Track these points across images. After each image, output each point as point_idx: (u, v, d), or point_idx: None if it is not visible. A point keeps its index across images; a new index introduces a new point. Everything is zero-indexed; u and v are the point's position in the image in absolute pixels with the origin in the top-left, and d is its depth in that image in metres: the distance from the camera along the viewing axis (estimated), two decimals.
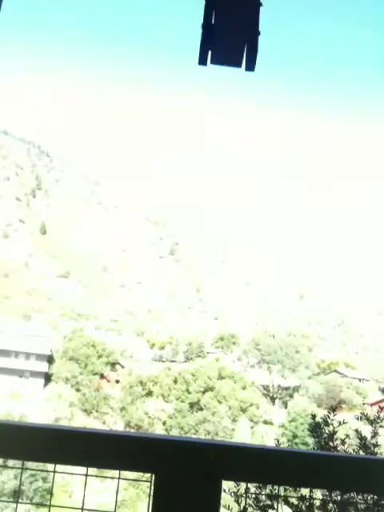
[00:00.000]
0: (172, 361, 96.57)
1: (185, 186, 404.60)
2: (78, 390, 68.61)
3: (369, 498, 4.91)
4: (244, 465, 1.61)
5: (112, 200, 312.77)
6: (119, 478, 1.80)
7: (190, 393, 67.09)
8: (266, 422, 70.20)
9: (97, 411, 64.12)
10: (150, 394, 68.78)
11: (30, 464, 1.79)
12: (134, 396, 67.93)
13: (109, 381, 79.47)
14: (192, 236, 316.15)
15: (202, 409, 64.80)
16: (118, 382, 78.54)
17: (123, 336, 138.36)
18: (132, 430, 59.39)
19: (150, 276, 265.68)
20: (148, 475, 1.56)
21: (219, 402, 65.91)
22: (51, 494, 44.34)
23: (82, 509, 1.85)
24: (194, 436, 57.17)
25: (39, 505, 42.20)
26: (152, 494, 1.52)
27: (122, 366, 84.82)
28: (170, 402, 66.57)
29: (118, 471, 1.70)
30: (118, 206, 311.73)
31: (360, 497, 4.96)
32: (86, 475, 1.80)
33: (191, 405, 65.95)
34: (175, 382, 69.47)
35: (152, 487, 1.53)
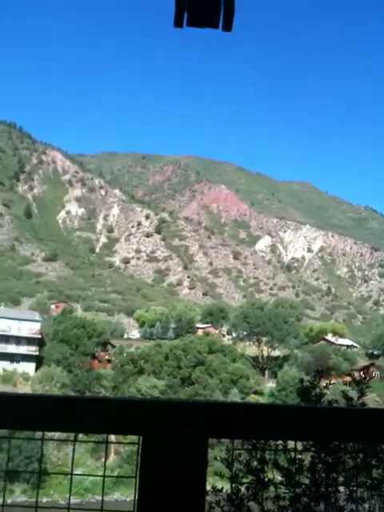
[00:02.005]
0: (162, 338, 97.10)
1: (170, 163, 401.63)
2: (70, 372, 68.81)
3: (355, 448, 4.99)
4: (230, 422, 1.63)
5: (96, 180, 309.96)
6: (107, 442, 1.79)
7: (181, 368, 67.66)
8: (256, 393, 71.23)
9: (89, 391, 64.44)
10: (141, 371, 69.23)
11: (18, 434, 1.82)
12: (125, 374, 68.34)
13: (100, 361, 79.82)
14: (179, 213, 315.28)
15: (193, 383, 65.48)
16: (109, 361, 78.89)
17: (113, 316, 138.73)
18: None
19: (138, 255, 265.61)
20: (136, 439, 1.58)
21: (210, 376, 66.62)
22: (40, 462, 44.40)
23: (72, 473, 1.95)
24: None
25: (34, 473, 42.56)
26: (140, 456, 1.56)
27: (113, 346, 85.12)
28: (161, 378, 67.10)
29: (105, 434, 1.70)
30: (103, 186, 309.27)
31: (348, 456, 5.03)
32: (75, 441, 1.86)
33: (183, 380, 66.60)
34: (166, 358, 69.94)
35: (139, 449, 1.56)
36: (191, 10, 2.19)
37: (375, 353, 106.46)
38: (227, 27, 2.19)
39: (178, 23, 2.18)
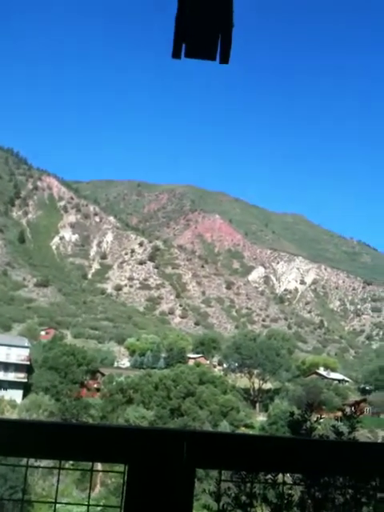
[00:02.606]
0: (153, 367, 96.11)
1: (165, 191, 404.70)
2: (57, 400, 67.76)
3: (345, 484, 4.93)
4: (217, 452, 1.59)
5: (91, 207, 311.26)
6: (92, 470, 1.76)
7: (170, 399, 66.81)
8: (246, 426, 70.26)
9: (77, 420, 63.34)
10: (130, 401, 68.26)
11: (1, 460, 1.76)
12: (114, 404, 67.36)
13: (89, 389, 78.73)
14: (173, 241, 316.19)
15: (182, 414, 64.56)
16: (98, 390, 77.83)
17: (103, 343, 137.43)
18: None
19: (131, 282, 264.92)
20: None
21: (200, 407, 65.77)
22: (23, 491, 43.42)
23: (55, 502, 1.86)
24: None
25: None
26: (125, 484, 1.51)
27: (103, 374, 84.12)
28: (151, 408, 66.16)
29: (90, 464, 1.67)
30: (97, 213, 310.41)
31: (338, 492, 4.97)
32: (59, 468, 1.77)
33: (172, 411, 65.68)
34: (156, 388, 69.10)
35: (125, 478, 1.51)
36: (189, 41, 2.23)
37: (367, 388, 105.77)
38: (224, 60, 2.24)
39: (176, 54, 2.21)
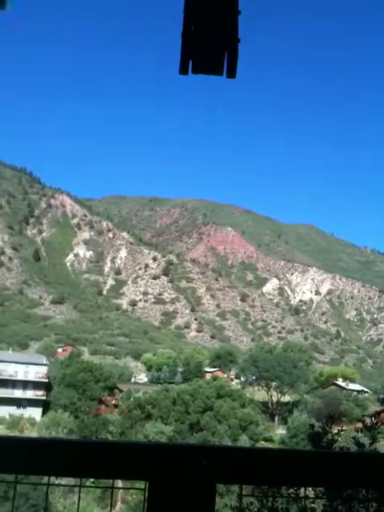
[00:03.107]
0: (170, 382, 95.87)
1: (177, 205, 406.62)
2: (76, 417, 67.88)
3: (368, 497, 5.02)
4: (237, 467, 1.58)
5: (104, 223, 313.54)
6: (113, 488, 1.76)
7: (189, 414, 66.54)
8: (266, 440, 69.63)
9: (96, 437, 63.34)
10: (149, 416, 68.11)
11: (23, 479, 1.75)
12: (132, 420, 67.25)
13: (107, 405, 78.75)
14: (186, 255, 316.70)
15: (201, 429, 64.23)
16: (116, 406, 77.81)
17: (120, 359, 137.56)
18: None
19: (146, 297, 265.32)
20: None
21: (219, 422, 65.38)
22: (45, 510, 43.51)
23: None
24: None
25: None
26: (146, 501, 1.51)
27: (120, 390, 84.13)
28: (169, 424, 65.91)
29: (111, 481, 1.67)
30: (110, 229, 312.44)
31: (361, 505, 5.06)
32: (80, 486, 1.76)
33: (191, 426, 65.38)
34: (174, 403, 68.90)
35: (146, 494, 1.51)
36: (196, 57, 2.28)
37: None
38: (231, 75, 2.28)
39: (183, 70, 2.26)
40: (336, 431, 6.31)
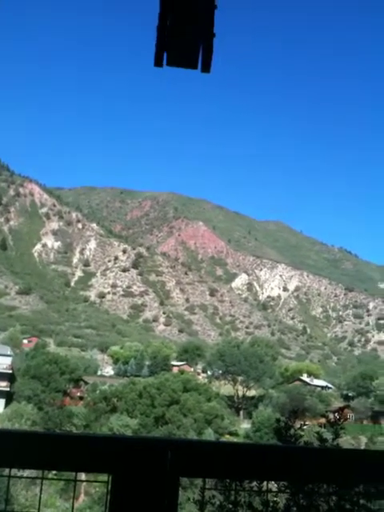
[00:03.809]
0: (137, 375, 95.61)
1: (148, 198, 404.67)
2: (40, 409, 67.04)
3: (329, 491, 5.03)
4: (201, 460, 1.59)
5: (74, 214, 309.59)
6: (76, 480, 1.76)
7: (155, 407, 66.50)
8: (231, 434, 70.22)
9: (60, 429, 62.72)
10: (114, 409, 67.79)
11: None
12: (98, 412, 66.83)
13: (72, 398, 78.04)
14: (156, 249, 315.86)
15: (167, 423, 64.30)
16: (81, 398, 77.18)
17: (87, 351, 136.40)
18: None
19: (114, 290, 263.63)
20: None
21: (184, 415, 65.56)
22: (6, 502, 43.04)
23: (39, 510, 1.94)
24: None
25: None
26: (109, 494, 1.51)
27: (86, 383, 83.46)
28: (134, 417, 65.74)
29: (74, 473, 1.67)
30: (80, 220, 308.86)
31: (322, 499, 5.05)
32: (42, 478, 1.76)
33: (156, 419, 65.37)
34: (140, 396, 68.73)
35: (109, 487, 1.51)
36: (171, 50, 2.28)
37: (350, 394, 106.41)
38: (206, 69, 2.30)
39: (157, 63, 2.26)
40: (299, 426, 6.32)
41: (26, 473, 2.02)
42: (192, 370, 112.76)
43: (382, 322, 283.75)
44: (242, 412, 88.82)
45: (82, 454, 1.54)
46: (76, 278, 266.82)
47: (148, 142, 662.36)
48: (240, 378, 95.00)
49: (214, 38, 2.27)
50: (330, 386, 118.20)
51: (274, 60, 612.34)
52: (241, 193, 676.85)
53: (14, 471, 1.72)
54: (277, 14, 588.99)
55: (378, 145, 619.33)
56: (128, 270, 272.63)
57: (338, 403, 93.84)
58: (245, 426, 76.96)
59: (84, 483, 51.76)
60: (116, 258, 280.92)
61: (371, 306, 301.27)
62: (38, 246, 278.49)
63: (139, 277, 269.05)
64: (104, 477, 1.55)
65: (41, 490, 2.10)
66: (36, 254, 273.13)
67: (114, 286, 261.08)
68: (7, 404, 71.63)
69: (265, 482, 1.96)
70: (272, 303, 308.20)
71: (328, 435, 6.28)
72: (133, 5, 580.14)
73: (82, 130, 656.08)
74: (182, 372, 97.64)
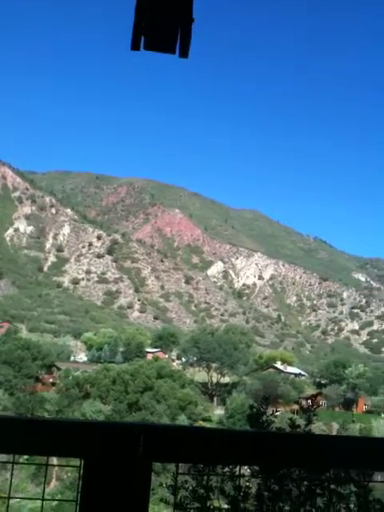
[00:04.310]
0: (110, 361, 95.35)
1: (124, 184, 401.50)
2: (11, 394, 66.47)
3: (301, 475, 4.94)
4: (174, 445, 1.60)
5: (47, 198, 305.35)
6: (47, 465, 1.74)
7: (128, 393, 66.48)
8: (204, 420, 70.69)
9: (32, 415, 62.24)
10: (87, 395, 67.56)
11: None
12: (70, 398, 66.51)
13: (44, 384, 77.50)
14: (131, 235, 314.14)
15: (140, 409, 64.38)
16: (54, 384, 76.72)
17: (59, 337, 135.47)
18: None
19: (88, 276, 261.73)
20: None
21: (158, 402, 65.72)
22: None
23: (9, 497, 1.86)
24: None
25: None
26: (81, 478, 1.50)
27: (59, 369, 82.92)
28: (108, 403, 65.66)
29: (45, 458, 1.65)
30: (54, 205, 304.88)
31: (293, 484, 4.97)
32: (13, 463, 1.74)
33: (130, 405, 65.40)
34: (113, 382, 68.60)
35: (81, 472, 1.50)
36: (149, 34, 2.26)
37: (322, 382, 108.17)
38: (183, 54, 2.28)
39: (134, 47, 2.24)
40: (271, 412, 6.22)
41: None
42: (166, 356, 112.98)
43: (355, 311, 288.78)
44: (215, 398, 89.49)
45: (54, 438, 1.54)
46: (49, 264, 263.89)
47: (124, 127, 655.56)
48: (214, 365, 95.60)
49: (193, 23, 2.25)
50: (303, 373, 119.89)
51: (252, 47, 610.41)
52: (217, 180, 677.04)
53: None
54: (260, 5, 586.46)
55: (353, 134, 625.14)
56: (103, 257, 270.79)
57: (310, 390, 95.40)
58: (218, 412, 77.58)
59: (56, 469, 51.58)
60: (90, 244, 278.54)
61: (345, 295, 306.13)
62: (10, 231, 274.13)
63: (114, 263, 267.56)
64: (76, 461, 1.54)
65: (11, 474, 2.11)
66: (8, 239, 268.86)
67: (88, 272, 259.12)
68: None
69: (237, 468, 1.97)
70: (247, 291, 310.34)
71: (301, 422, 6.21)
72: None
73: (56, 113, 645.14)
74: (156, 359, 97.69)
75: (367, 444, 1.87)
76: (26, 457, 2.01)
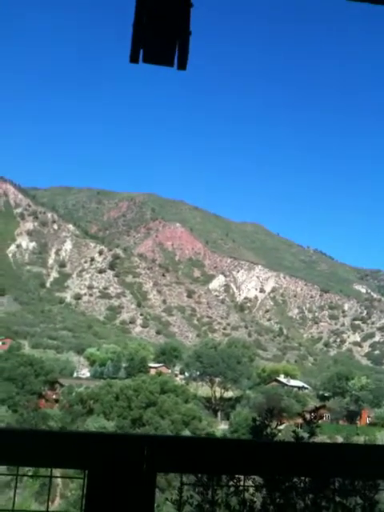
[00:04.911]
0: (113, 377, 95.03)
1: (125, 199, 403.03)
2: (15, 411, 66.19)
3: (306, 487, 5.03)
4: (178, 456, 1.59)
5: (49, 214, 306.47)
6: (51, 477, 1.74)
7: (132, 409, 66.20)
8: (208, 435, 70.25)
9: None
10: (90, 412, 67.28)
11: None
12: (73, 415, 66.26)
13: (47, 400, 77.19)
14: (133, 250, 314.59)
15: (144, 424, 64.07)
16: (57, 401, 76.41)
17: (62, 353, 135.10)
18: None
19: (91, 291, 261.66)
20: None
21: (162, 417, 65.41)
22: None
23: (13, 510, 1.83)
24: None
25: None
26: (85, 490, 1.49)
27: (62, 385, 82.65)
28: (111, 419, 65.36)
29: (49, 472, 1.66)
30: (55, 221, 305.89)
31: (299, 497, 5.05)
32: (17, 475, 1.73)
33: (133, 421, 65.10)
34: (117, 398, 68.34)
35: (85, 484, 1.50)
36: (147, 46, 2.29)
37: (326, 394, 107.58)
38: (182, 66, 2.30)
39: (133, 59, 2.27)
40: (275, 425, 6.33)
41: (0, 470, 2.02)
42: (169, 371, 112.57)
43: (356, 322, 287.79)
44: (219, 413, 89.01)
45: (58, 450, 1.53)
46: (51, 279, 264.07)
47: (125, 142, 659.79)
48: (217, 380, 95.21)
49: (190, 36, 2.28)
50: (306, 386, 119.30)
51: (253, 61, 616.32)
52: (218, 194, 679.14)
53: None
54: (255, 14, 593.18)
55: (353, 148, 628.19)
56: (105, 272, 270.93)
57: (314, 403, 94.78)
58: (222, 427, 77.14)
59: (60, 487, 51.26)
60: (92, 259, 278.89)
61: (346, 306, 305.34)
62: (13, 247, 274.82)
63: (116, 278, 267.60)
64: (80, 473, 1.54)
65: (15, 486, 2.10)
66: (10, 255, 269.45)
67: (90, 287, 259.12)
68: None
69: (242, 481, 1.96)
70: (249, 304, 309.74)
71: (304, 435, 6.31)
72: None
73: (58, 129, 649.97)
74: (159, 374, 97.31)
75: (372, 451, 1.87)
76: (30, 472, 2.10)
